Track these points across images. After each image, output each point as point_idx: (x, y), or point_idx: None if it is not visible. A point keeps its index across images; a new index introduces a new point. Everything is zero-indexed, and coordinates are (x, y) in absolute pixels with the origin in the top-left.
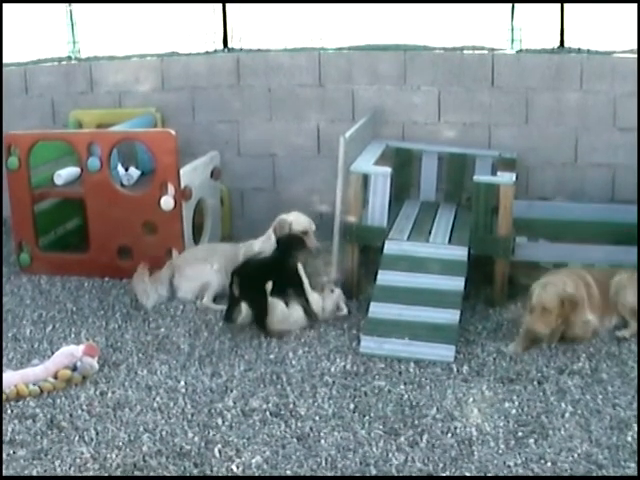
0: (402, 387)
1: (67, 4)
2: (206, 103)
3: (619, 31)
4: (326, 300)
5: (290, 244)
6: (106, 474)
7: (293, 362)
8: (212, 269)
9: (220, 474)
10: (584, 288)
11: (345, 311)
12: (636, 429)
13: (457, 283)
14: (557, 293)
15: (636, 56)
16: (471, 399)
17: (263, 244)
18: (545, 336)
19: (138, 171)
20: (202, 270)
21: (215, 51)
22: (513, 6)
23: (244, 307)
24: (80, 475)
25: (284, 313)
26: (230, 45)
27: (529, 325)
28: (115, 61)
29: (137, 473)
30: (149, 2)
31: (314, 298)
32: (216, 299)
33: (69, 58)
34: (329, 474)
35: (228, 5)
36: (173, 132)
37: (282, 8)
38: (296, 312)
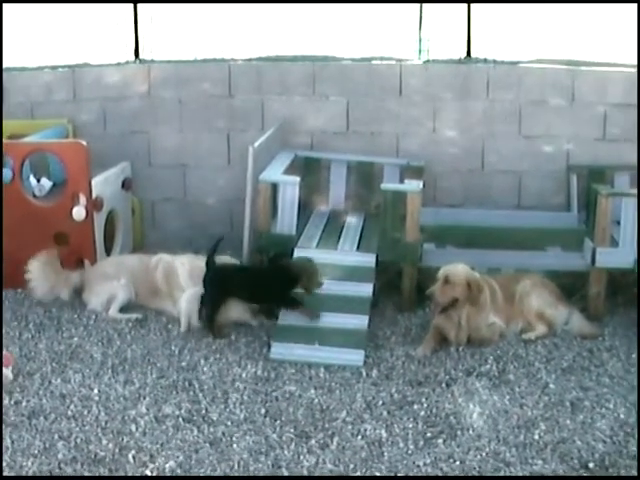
0: (312, 391)
1: None
2: (117, 114)
3: (524, 41)
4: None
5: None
6: None
7: (205, 369)
8: (119, 283)
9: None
10: (489, 292)
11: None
12: (542, 427)
13: (365, 289)
14: (465, 272)
15: (541, 66)
16: (380, 402)
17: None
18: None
19: (50, 182)
20: (109, 285)
21: (127, 62)
22: (421, 17)
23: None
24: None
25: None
26: (141, 56)
27: (432, 293)
28: (27, 72)
29: None
30: (62, 2)
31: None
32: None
33: None
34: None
35: (140, 16)
36: (84, 143)
37: (193, 19)
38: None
